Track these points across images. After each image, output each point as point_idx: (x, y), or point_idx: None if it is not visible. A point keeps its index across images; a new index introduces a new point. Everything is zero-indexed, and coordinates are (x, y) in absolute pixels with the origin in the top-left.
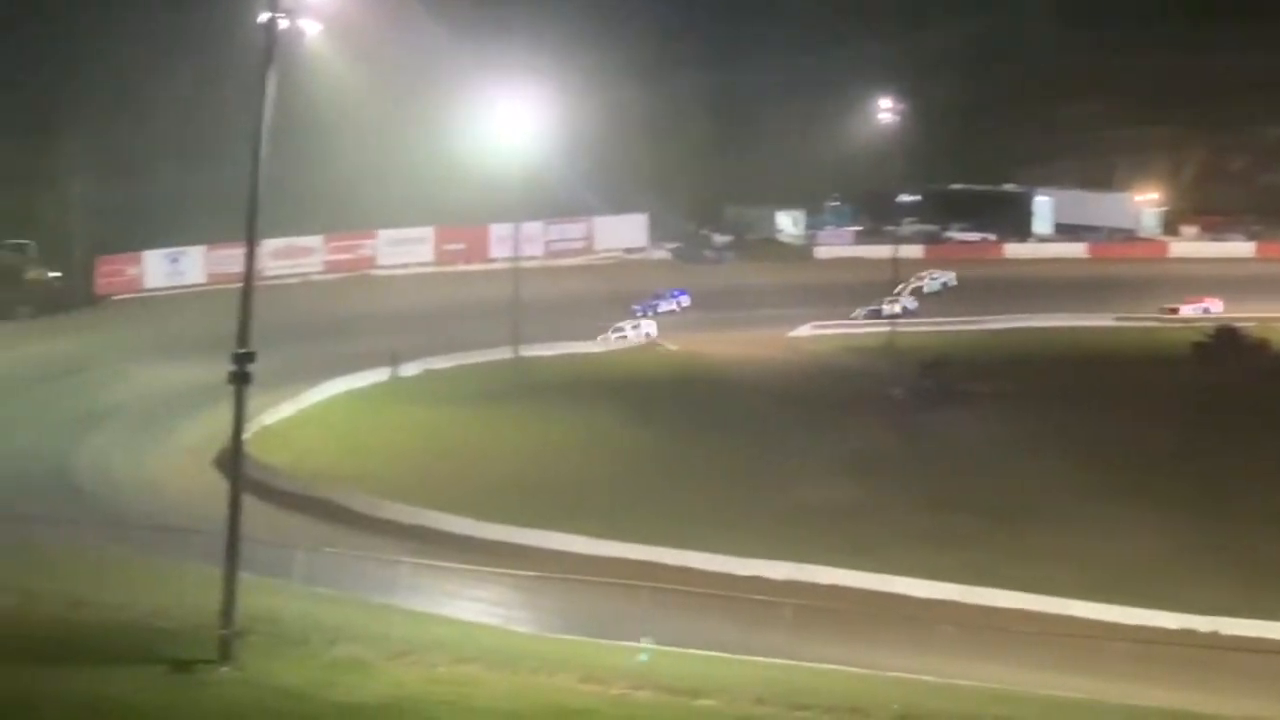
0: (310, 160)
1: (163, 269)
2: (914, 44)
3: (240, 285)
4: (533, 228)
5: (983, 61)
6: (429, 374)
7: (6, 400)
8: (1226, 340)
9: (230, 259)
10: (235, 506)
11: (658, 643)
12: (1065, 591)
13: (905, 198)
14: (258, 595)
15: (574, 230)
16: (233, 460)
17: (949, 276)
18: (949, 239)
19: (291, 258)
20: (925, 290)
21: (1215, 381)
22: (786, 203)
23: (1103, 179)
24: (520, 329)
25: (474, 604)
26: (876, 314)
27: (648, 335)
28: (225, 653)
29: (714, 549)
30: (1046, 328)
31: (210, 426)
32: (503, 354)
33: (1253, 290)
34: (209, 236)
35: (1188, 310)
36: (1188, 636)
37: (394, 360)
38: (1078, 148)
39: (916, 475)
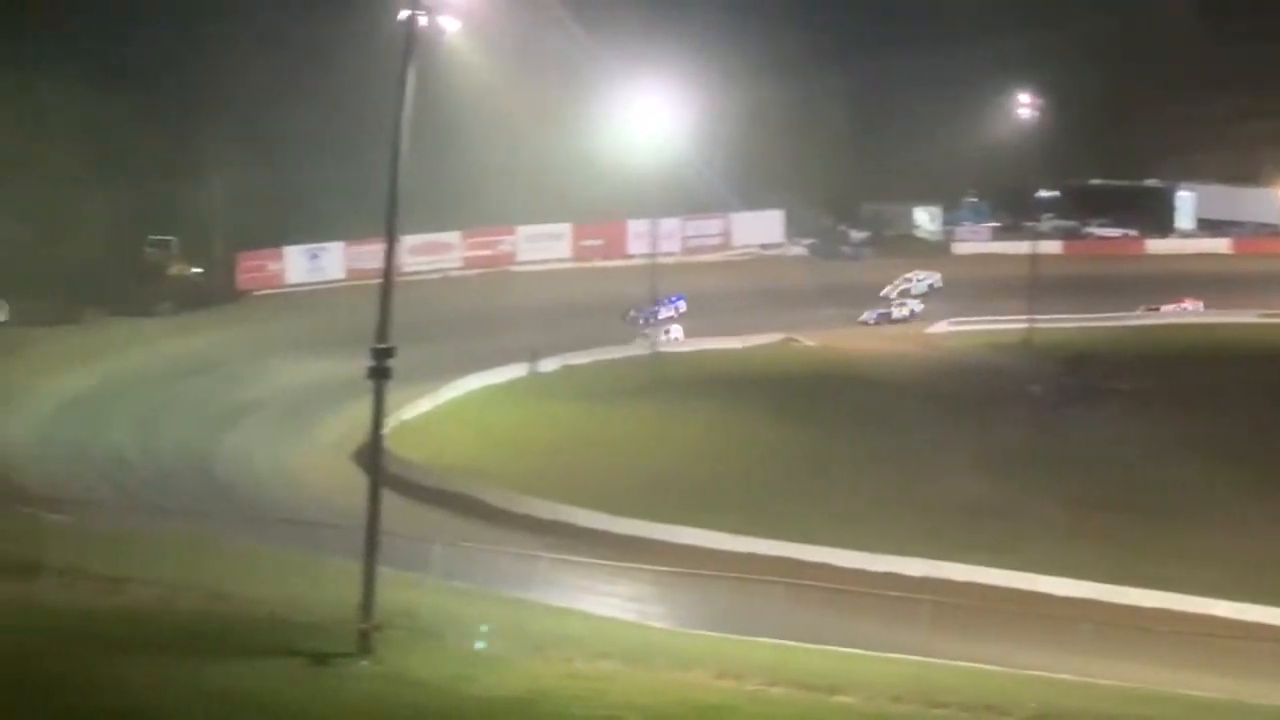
0: (449, 157)
1: (303, 265)
2: (1054, 37)
3: (380, 281)
4: (670, 224)
5: (1124, 54)
6: (567, 370)
7: (149, 395)
8: None
9: (369, 255)
10: (375, 501)
11: (795, 639)
12: (1208, 591)
13: (1044, 193)
14: (396, 589)
15: (711, 226)
16: (372, 455)
17: (935, 278)
18: (1089, 235)
19: (430, 254)
20: (914, 292)
21: None
22: (924, 198)
23: (1248, 173)
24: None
25: (610, 599)
26: (886, 317)
27: (675, 339)
28: (364, 646)
29: (850, 545)
30: (1189, 324)
31: (349, 421)
32: (641, 350)
33: None
34: (349, 232)
35: (1170, 309)
36: None
37: (532, 356)
38: (1222, 141)
39: (1056, 472)
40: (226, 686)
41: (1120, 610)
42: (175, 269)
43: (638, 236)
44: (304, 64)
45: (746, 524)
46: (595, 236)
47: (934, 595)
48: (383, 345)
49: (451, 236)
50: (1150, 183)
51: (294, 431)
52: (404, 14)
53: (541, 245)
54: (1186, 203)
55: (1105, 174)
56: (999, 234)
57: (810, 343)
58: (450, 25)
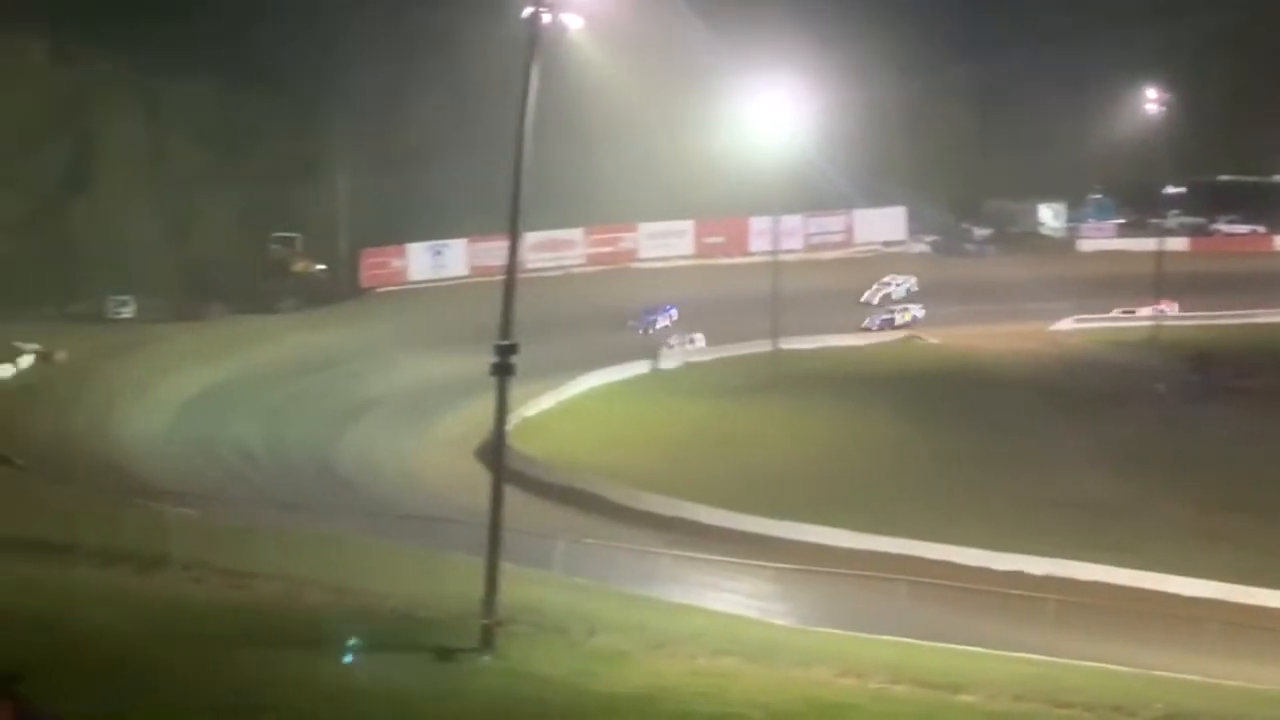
0: (571, 154)
1: (426, 262)
2: (1182, 31)
3: (502, 278)
4: (792, 221)
5: (1252, 47)
6: (689, 367)
7: (273, 392)
8: None
9: (492, 252)
10: (498, 497)
11: (918, 637)
12: None
13: (1170, 189)
14: (518, 585)
15: (833, 224)
16: (495, 451)
17: (911, 281)
18: (1216, 231)
19: (553, 250)
20: (894, 297)
21: None
22: (1048, 195)
23: None
24: (779, 322)
25: (732, 596)
26: (890, 323)
27: (698, 347)
28: (487, 642)
29: (973, 543)
30: None
31: (471, 418)
32: (762, 347)
33: None
34: (471, 229)
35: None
36: None
37: (654, 353)
38: None
39: (1182, 471)
40: (352, 680)
41: (1247, 611)
42: (299, 266)
43: (760, 233)
44: (427, 62)
45: (869, 521)
46: (717, 233)
47: (1058, 594)
48: (506, 342)
49: (574, 233)
50: None
51: (416, 428)
52: (528, 11)
53: (663, 242)
54: None
55: (1233, 170)
56: (1124, 231)
57: (933, 340)
58: (573, 23)
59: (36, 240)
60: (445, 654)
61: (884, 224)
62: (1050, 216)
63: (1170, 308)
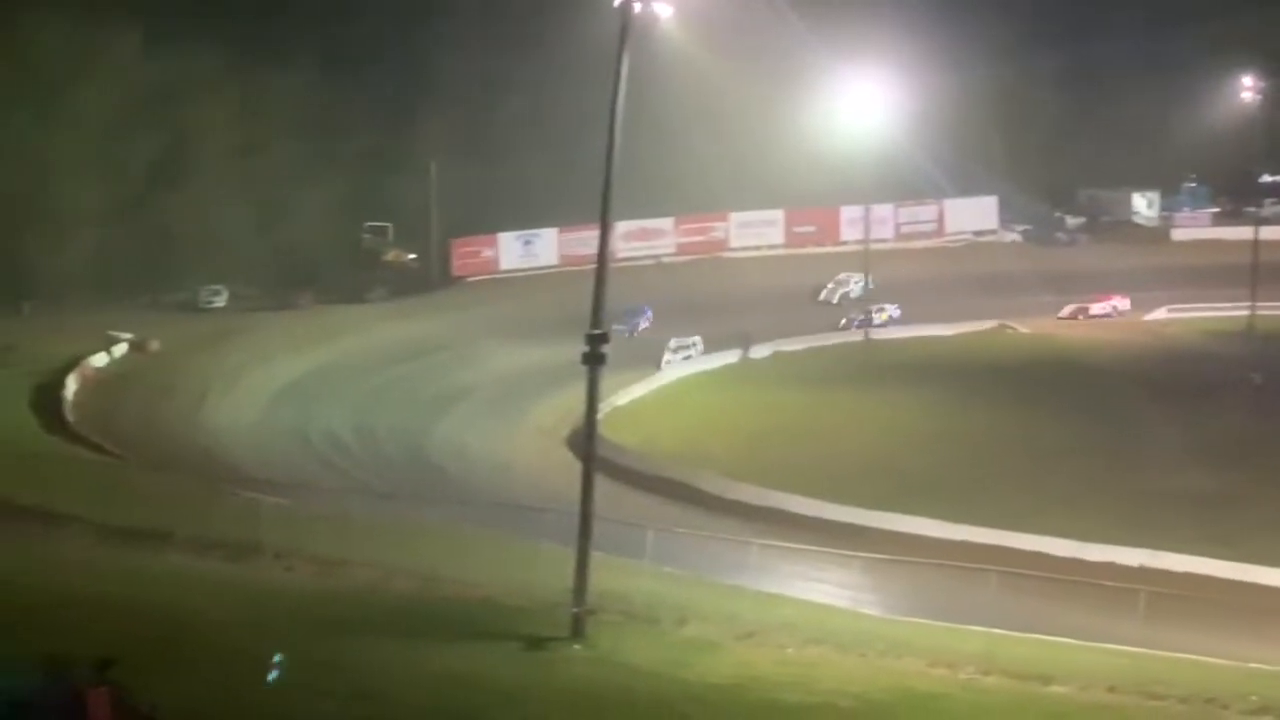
0: (662, 143)
1: (517, 251)
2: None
3: (593, 267)
4: (883, 210)
5: None
6: (779, 356)
7: (364, 381)
8: None
9: (582, 241)
10: (588, 486)
11: (1008, 628)
12: None
13: (1267, 178)
14: (608, 574)
15: (924, 213)
16: (586, 440)
17: (866, 279)
18: None
19: (643, 240)
20: (852, 295)
21: None
22: (1141, 184)
23: None
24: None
25: (822, 586)
26: (868, 323)
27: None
28: (577, 631)
29: (1065, 534)
30: None
31: (561, 406)
32: (853, 336)
33: None
34: (562, 218)
35: (1098, 309)
36: None
37: (744, 342)
38: None
39: (1278, 463)
40: (443, 668)
41: None
42: (391, 255)
43: (851, 223)
44: (518, 52)
45: (960, 511)
46: (808, 223)
47: (1151, 585)
48: (597, 331)
49: (664, 222)
50: None
51: (507, 416)
52: (619, 1)
53: (754, 231)
54: None
55: None
56: (1219, 220)
57: (1024, 329)
58: (664, 11)
59: (130, 231)
60: (535, 642)
61: (975, 213)
62: (1144, 205)
63: (1122, 302)
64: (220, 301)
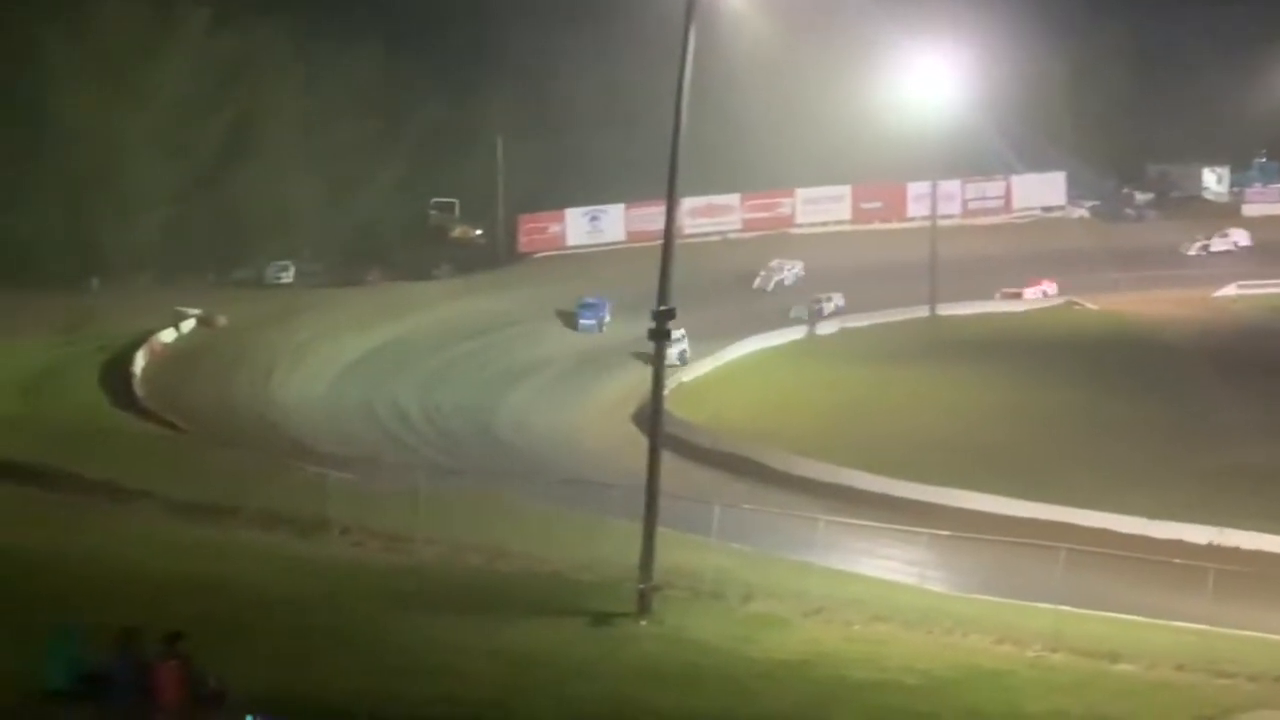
0: (729, 119)
1: (583, 227)
2: None
3: (659, 243)
4: (950, 186)
5: None
6: (845, 332)
7: (431, 357)
8: None
9: (649, 217)
10: (655, 462)
11: (1075, 605)
12: None
13: None
14: (674, 550)
15: (992, 189)
16: (653, 416)
17: (798, 266)
18: None
19: (710, 216)
20: (786, 282)
21: None
22: (1212, 159)
23: None
24: (937, 288)
25: (889, 562)
26: (819, 314)
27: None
28: (643, 607)
29: (1133, 511)
30: None
31: (627, 382)
32: (919, 313)
33: None
34: (629, 195)
35: (1031, 294)
36: None
37: (811, 318)
38: None
39: None
40: (510, 644)
41: None
42: (458, 232)
43: (917, 199)
44: (585, 26)
45: (1026, 488)
46: (874, 199)
47: (1220, 563)
48: (663, 307)
49: (731, 199)
50: None
51: (573, 392)
52: None
53: (821, 208)
54: None
55: None
56: None
57: (1092, 306)
58: None
59: (198, 208)
60: (602, 618)
61: (1043, 189)
62: (1213, 180)
63: (1050, 287)
64: (287, 278)
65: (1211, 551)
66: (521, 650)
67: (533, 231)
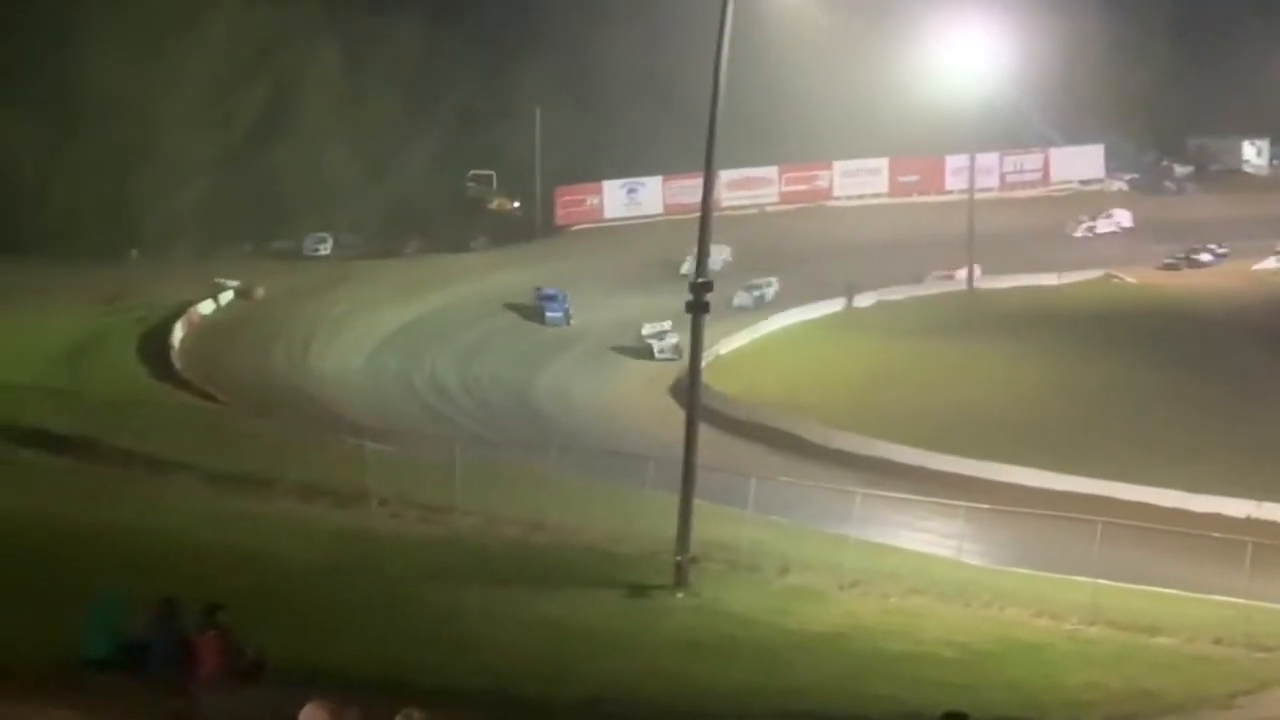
0: (767, 91)
1: (621, 199)
2: None
3: (697, 216)
4: (988, 159)
5: None
6: (883, 305)
7: (469, 329)
8: None
9: (686, 190)
10: (692, 434)
11: (1113, 578)
12: None
13: None
14: (711, 522)
15: (1030, 162)
16: (690, 388)
17: (726, 252)
18: None
19: (747, 189)
20: (715, 269)
21: None
22: (1252, 132)
23: None
24: (975, 261)
25: (926, 535)
26: (761, 300)
27: (665, 346)
28: (680, 579)
29: (1171, 484)
30: None
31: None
32: (957, 286)
33: None
34: (666, 167)
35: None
36: None
37: (848, 291)
38: None
39: None
40: (546, 615)
41: None
42: (495, 204)
43: (955, 172)
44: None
45: (1065, 462)
46: (912, 172)
47: (1258, 537)
48: (701, 280)
49: (769, 171)
50: None
51: (610, 365)
52: None
53: (858, 180)
54: None
55: None
56: None
57: (1131, 279)
58: None
59: (237, 179)
60: (639, 590)
61: (1082, 162)
62: (1254, 153)
63: (961, 274)
64: (325, 250)
65: (1250, 525)
66: (558, 622)
67: (570, 204)
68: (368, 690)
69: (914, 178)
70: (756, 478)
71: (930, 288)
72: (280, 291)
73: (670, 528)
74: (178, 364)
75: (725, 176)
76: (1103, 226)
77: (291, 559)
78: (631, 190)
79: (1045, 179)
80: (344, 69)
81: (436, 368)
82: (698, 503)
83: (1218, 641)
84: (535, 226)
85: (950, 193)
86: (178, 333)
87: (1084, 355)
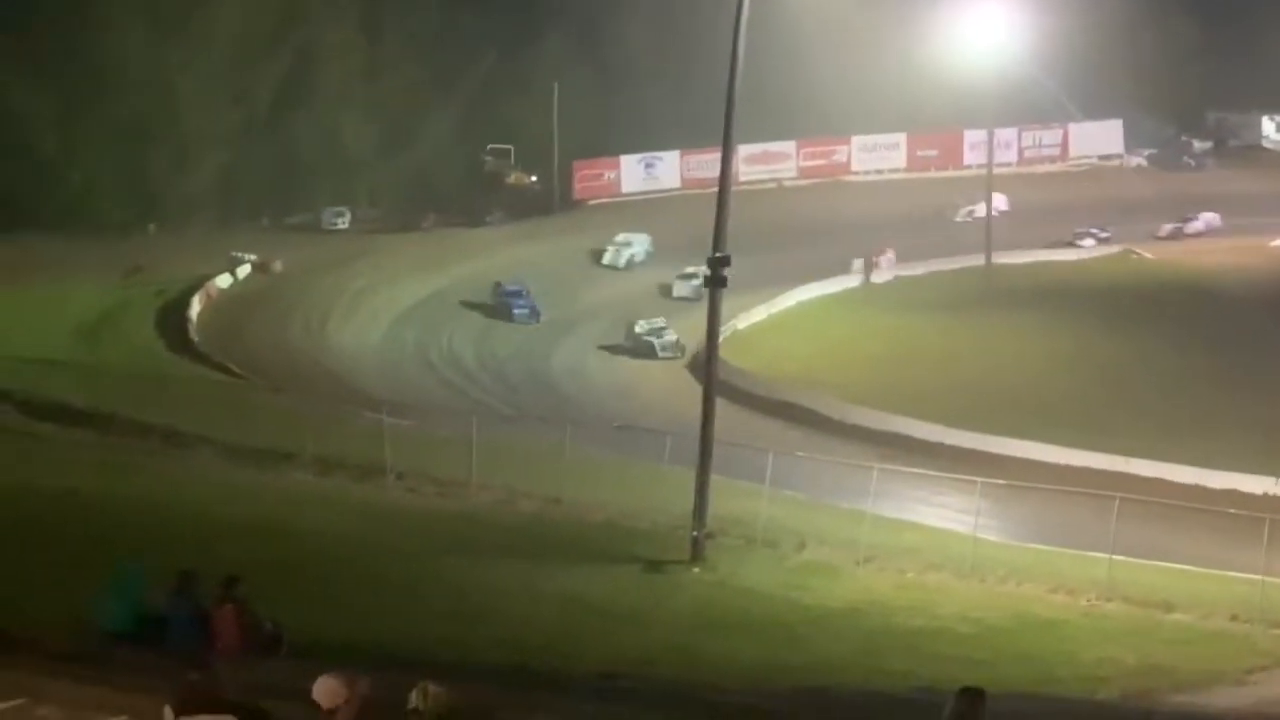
0: (785, 66)
1: (638, 173)
2: None
3: (715, 190)
4: (1006, 134)
5: None
6: (900, 280)
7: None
8: None
9: (704, 164)
10: (709, 409)
11: (1129, 554)
12: None
13: None
14: (728, 498)
15: (1048, 137)
16: (707, 363)
17: (648, 240)
18: None
19: (765, 163)
20: (638, 259)
21: None
22: (1271, 107)
23: None
24: (993, 236)
25: (942, 511)
26: (699, 290)
27: (667, 344)
28: (696, 554)
29: (1188, 460)
30: None
31: (683, 329)
32: (975, 261)
33: None
34: (684, 141)
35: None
36: None
37: (866, 266)
38: None
39: None
40: (562, 589)
41: None
42: (513, 178)
43: (974, 147)
44: None
45: (1081, 437)
46: (930, 147)
47: (1276, 513)
48: (719, 254)
49: (787, 146)
50: None
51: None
52: None
53: (876, 155)
54: None
55: None
56: None
57: (1149, 255)
58: None
59: (255, 153)
60: (655, 565)
61: (1100, 137)
62: (1273, 129)
63: (889, 258)
64: (343, 223)
65: (1267, 501)
66: (574, 596)
67: (588, 178)
68: (384, 663)
69: (932, 153)
70: (773, 452)
71: (948, 263)
72: (298, 265)
73: (687, 503)
74: (195, 338)
75: (743, 151)
76: (981, 211)
77: (309, 532)
78: (649, 165)
79: (1064, 154)
80: (362, 43)
81: (454, 342)
82: (714, 478)
83: (1234, 618)
84: (553, 201)
85: (968, 168)
86: (195, 307)
87: (1101, 331)
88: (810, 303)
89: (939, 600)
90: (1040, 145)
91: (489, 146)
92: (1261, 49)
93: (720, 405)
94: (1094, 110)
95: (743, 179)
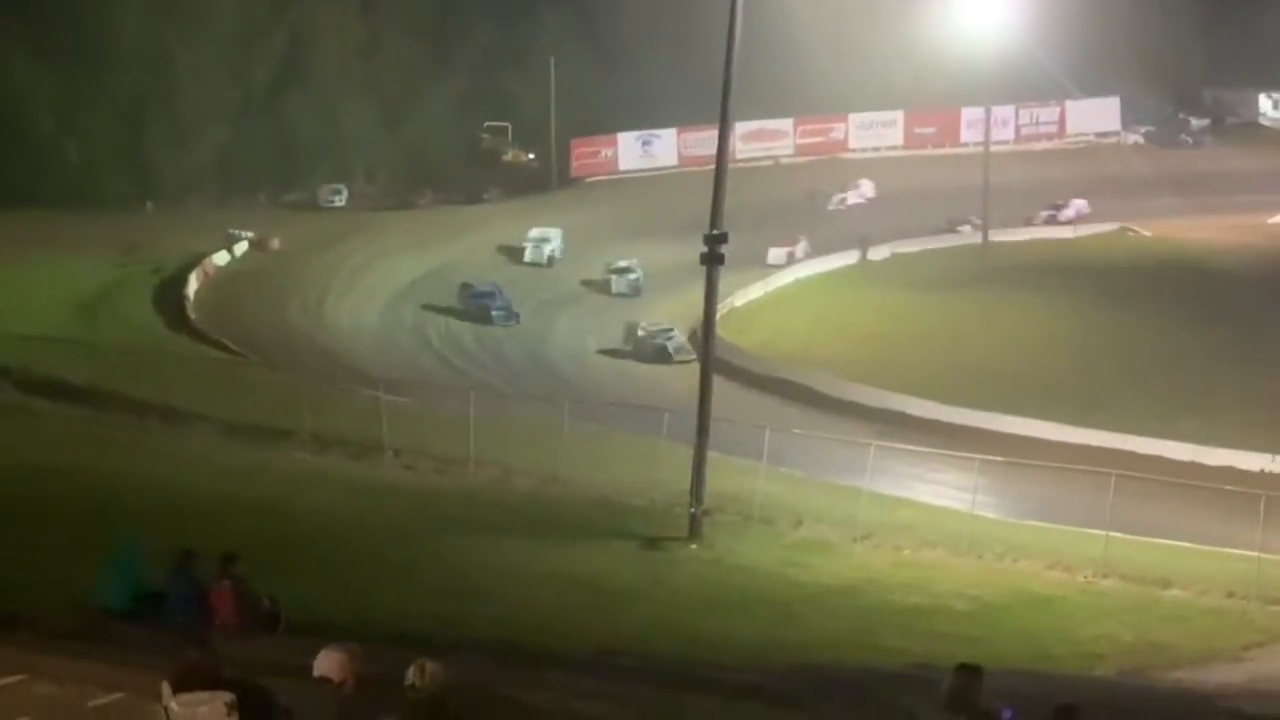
0: (782, 43)
1: (635, 151)
2: None
3: (712, 168)
4: (1004, 111)
5: None
6: (897, 258)
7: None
8: None
9: (702, 142)
10: (706, 387)
11: (1126, 531)
12: None
13: None
14: (725, 475)
15: (1045, 114)
16: (704, 341)
17: (560, 234)
18: None
19: (762, 141)
20: (557, 255)
21: None
22: (1268, 84)
23: None
24: (990, 214)
25: (939, 488)
26: (637, 287)
27: (679, 345)
28: (693, 531)
29: (1185, 437)
30: None
31: (679, 307)
32: (971, 239)
33: None
34: (681, 119)
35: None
36: None
37: (863, 244)
38: None
39: None
40: (560, 567)
41: None
42: (510, 155)
43: (971, 124)
44: None
45: (1078, 414)
46: (928, 124)
47: (1272, 490)
48: (716, 231)
49: (784, 123)
50: None
51: (625, 316)
52: None
53: (873, 133)
54: None
55: None
56: None
57: (1146, 232)
58: None
59: (252, 130)
60: (652, 542)
61: (1098, 114)
62: (1270, 106)
63: (800, 249)
64: (340, 201)
65: (1264, 478)
66: (571, 574)
67: (585, 155)
68: (381, 640)
69: (929, 130)
70: (770, 430)
71: (945, 240)
72: (295, 242)
73: (684, 480)
74: (193, 315)
75: (740, 128)
76: (852, 198)
77: (307, 510)
78: (646, 142)
79: (1061, 131)
80: (360, 19)
81: (452, 320)
82: (711, 455)
83: (1230, 595)
84: (550, 178)
85: (965, 145)
86: (192, 284)
87: (1098, 307)
88: (808, 280)
89: (936, 577)
90: (1037, 122)
91: (486, 124)
92: (1259, 27)
93: (717, 382)
94: (1091, 87)
95: (740, 156)
